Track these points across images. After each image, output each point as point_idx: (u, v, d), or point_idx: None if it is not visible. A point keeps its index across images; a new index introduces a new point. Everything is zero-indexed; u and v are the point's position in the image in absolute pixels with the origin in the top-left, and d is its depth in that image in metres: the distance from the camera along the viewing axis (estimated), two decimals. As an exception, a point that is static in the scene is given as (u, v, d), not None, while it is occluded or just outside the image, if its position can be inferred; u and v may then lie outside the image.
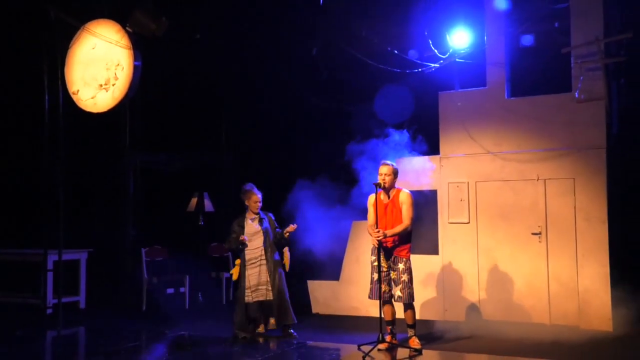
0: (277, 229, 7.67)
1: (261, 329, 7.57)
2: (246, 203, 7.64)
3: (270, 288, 7.43)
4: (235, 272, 7.56)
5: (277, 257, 7.59)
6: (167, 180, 11.54)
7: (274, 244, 7.61)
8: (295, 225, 7.57)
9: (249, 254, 7.49)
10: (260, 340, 7.40)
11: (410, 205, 6.69)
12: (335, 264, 9.12)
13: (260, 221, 7.59)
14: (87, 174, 11.05)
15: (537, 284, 7.82)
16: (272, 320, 7.55)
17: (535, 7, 8.28)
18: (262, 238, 7.53)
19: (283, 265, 7.63)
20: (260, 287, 7.46)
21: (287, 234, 7.54)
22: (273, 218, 7.75)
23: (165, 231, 10.80)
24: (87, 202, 11.23)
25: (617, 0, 8.22)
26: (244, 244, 7.42)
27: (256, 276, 7.46)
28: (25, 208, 10.99)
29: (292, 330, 7.45)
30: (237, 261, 7.58)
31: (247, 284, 7.46)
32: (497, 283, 8.04)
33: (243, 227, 7.55)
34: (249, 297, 7.44)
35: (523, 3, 8.30)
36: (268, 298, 7.43)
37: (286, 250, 7.68)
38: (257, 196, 7.61)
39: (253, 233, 7.52)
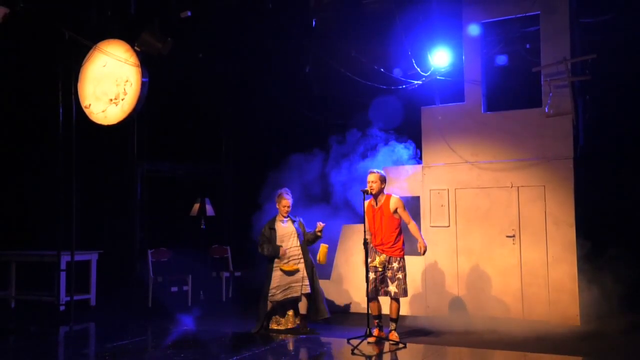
0: (308, 230, 7.60)
1: (275, 325, 7.50)
2: (277, 206, 7.56)
3: (307, 283, 7.37)
4: (291, 268, 7.36)
5: (310, 256, 7.56)
6: (171, 187, 11.50)
7: (307, 243, 7.55)
8: (323, 223, 7.49)
9: (287, 253, 7.42)
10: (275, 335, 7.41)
11: (403, 207, 6.81)
12: (326, 264, 9.08)
13: (292, 222, 7.54)
14: (98, 181, 10.99)
15: (512, 283, 7.83)
16: (296, 319, 7.52)
17: (509, 30, 8.34)
18: (297, 237, 7.47)
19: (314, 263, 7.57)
20: (294, 285, 7.37)
21: (320, 232, 7.47)
22: (302, 221, 7.67)
23: (170, 234, 10.76)
24: (97, 207, 11.16)
25: (583, 24, 8.29)
26: (282, 254, 7.37)
27: (293, 274, 7.38)
28: (40, 213, 10.91)
29: (307, 324, 7.45)
30: (281, 264, 7.41)
31: (274, 283, 7.38)
32: (474, 281, 8.05)
33: (274, 229, 7.46)
34: (276, 296, 7.36)
35: (497, 26, 8.35)
36: (303, 292, 7.36)
37: (324, 245, 7.49)
38: (287, 200, 7.49)
39: (287, 234, 7.46)
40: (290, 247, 7.43)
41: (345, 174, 8.70)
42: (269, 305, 7.40)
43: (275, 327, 7.50)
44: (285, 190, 7.61)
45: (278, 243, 7.43)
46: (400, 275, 6.69)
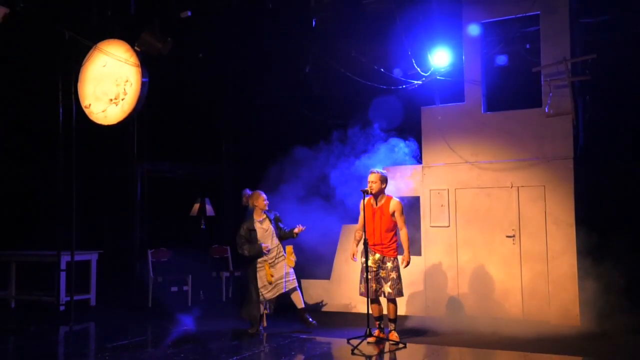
0: (282, 225, 7.65)
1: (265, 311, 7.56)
2: (255, 204, 7.56)
3: (289, 279, 7.45)
4: (268, 273, 7.40)
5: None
6: (171, 187, 11.50)
7: (279, 238, 7.59)
8: (304, 226, 7.58)
9: (270, 251, 7.46)
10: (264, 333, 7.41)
11: (401, 212, 6.76)
12: (326, 264, 9.10)
13: (269, 221, 7.57)
14: (98, 181, 10.99)
15: (511, 283, 7.83)
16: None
17: (509, 30, 8.34)
18: (275, 235, 7.52)
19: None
20: (279, 282, 7.42)
21: (296, 234, 7.56)
22: (278, 214, 7.72)
23: (170, 234, 10.76)
24: (98, 207, 11.17)
25: (583, 24, 8.29)
26: (266, 252, 7.39)
27: (274, 273, 7.44)
28: (40, 212, 10.92)
29: (308, 316, 7.51)
30: (266, 265, 7.43)
31: (261, 283, 7.41)
32: (474, 281, 8.04)
33: (254, 230, 7.47)
34: (266, 295, 7.40)
35: (497, 26, 8.35)
36: (288, 288, 7.43)
37: (291, 248, 7.61)
38: (264, 196, 7.58)
39: (266, 234, 7.49)
40: (271, 247, 7.49)
41: (345, 174, 8.69)
42: (261, 307, 7.43)
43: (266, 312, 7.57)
44: (255, 190, 7.69)
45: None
46: (394, 275, 6.68)
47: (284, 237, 7.62)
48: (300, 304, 7.51)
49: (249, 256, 7.44)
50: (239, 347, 6.71)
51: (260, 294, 7.40)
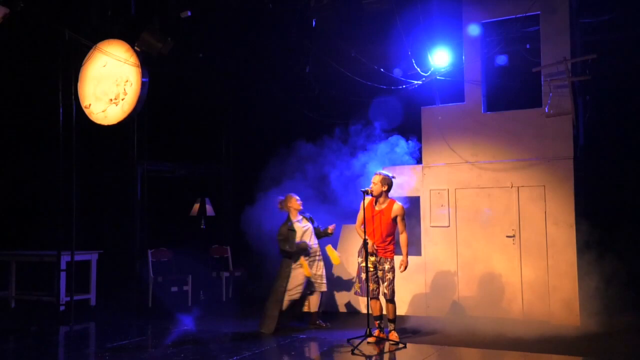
0: (316, 225, 7.79)
1: (305, 308, 7.72)
2: (289, 206, 7.65)
3: (324, 282, 7.61)
4: (306, 269, 7.48)
5: None
6: (171, 187, 11.49)
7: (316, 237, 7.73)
8: (334, 224, 7.79)
9: (312, 249, 7.58)
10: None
11: (403, 216, 6.80)
12: (326, 264, 9.06)
13: (307, 220, 7.67)
14: (98, 181, 10.98)
15: (512, 283, 7.83)
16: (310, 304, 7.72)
17: (509, 30, 8.33)
18: (314, 234, 7.64)
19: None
20: (311, 281, 7.54)
21: (331, 232, 7.72)
22: (311, 215, 7.85)
23: (170, 234, 10.75)
24: (98, 207, 11.16)
25: (583, 25, 8.29)
26: (308, 249, 7.51)
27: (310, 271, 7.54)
28: (41, 213, 10.91)
29: (320, 321, 7.70)
30: (303, 261, 7.50)
31: (292, 284, 7.46)
32: (475, 281, 8.05)
33: (293, 230, 7.52)
34: (292, 296, 7.46)
35: (497, 26, 8.36)
36: (320, 289, 7.59)
37: (331, 247, 7.74)
38: (296, 197, 7.69)
39: (306, 233, 7.58)
40: (311, 245, 7.60)
41: (345, 174, 8.69)
42: (286, 303, 7.46)
43: (307, 310, 7.71)
44: (286, 193, 7.81)
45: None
46: (390, 276, 6.71)
47: (321, 235, 7.75)
48: (315, 308, 7.64)
49: (293, 252, 7.48)
50: (239, 347, 6.70)
51: (289, 293, 7.45)
